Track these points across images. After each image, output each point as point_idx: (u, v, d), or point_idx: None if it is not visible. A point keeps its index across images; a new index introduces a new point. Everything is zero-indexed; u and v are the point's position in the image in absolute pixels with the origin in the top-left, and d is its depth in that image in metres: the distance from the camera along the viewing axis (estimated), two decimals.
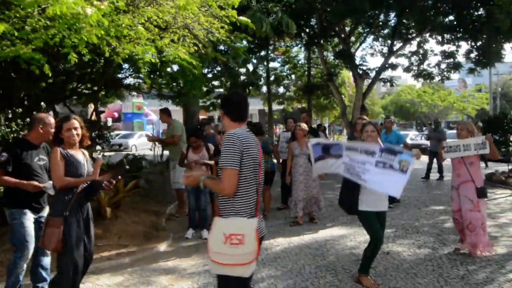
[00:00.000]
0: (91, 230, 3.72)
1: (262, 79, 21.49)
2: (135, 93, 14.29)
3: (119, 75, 8.72)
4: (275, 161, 8.19)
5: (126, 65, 7.65)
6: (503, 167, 12.76)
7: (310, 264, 5.13)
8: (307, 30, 17.19)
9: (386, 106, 41.61)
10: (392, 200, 7.70)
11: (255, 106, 30.73)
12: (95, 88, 8.01)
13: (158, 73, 7.31)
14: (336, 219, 7.43)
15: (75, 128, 3.59)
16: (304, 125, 7.00)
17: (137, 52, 4.66)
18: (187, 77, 6.44)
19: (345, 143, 4.59)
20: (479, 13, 15.77)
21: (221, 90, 21.22)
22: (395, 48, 17.72)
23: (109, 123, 27.96)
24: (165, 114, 7.54)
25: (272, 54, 22.33)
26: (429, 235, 6.25)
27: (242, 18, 6.53)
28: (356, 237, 6.22)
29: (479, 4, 14.87)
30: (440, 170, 12.08)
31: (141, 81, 8.17)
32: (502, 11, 9.62)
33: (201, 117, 32.38)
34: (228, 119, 2.82)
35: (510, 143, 12.03)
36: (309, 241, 6.10)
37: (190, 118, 12.43)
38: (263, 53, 19.81)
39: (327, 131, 15.70)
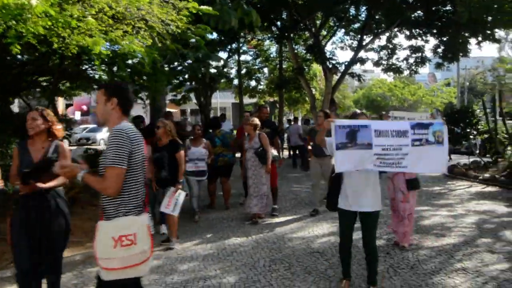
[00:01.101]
0: (52, 230, 3.47)
1: (233, 72, 21.47)
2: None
3: (82, 67, 8.51)
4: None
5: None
6: (465, 160, 13.13)
7: (265, 257, 5.15)
8: (278, 23, 17.21)
9: (358, 100, 42.17)
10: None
11: (227, 99, 30.61)
12: (52, 80, 7.78)
13: (117, 66, 7.15)
14: (298, 212, 7.49)
15: (33, 119, 3.46)
16: (255, 120, 6.84)
17: (86, 43, 4.54)
18: (145, 70, 6.31)
19: (373, 124, 3.67)
20: (446, 8, 16.12)
21: (193, 83, 21.01)
22: (364, 42, 17.94)
23: (78, 116, 27.42)
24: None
25: (244, 47, 22.28)
26: (386, 226, 6.37)
27: (203, 7, 6.46)
28: (315, 230, 6.28)
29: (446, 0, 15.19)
30: None
31: (101, 73, 7.97)
32: (462, 4, 9.82)
33: (168, 109, 32.07)
34: (119, 110, 2.61)
35: (471, 136, 12.37)
36: (267, 234, 6.12)
37: (156, 113, 12.24)
38: (234, 46, 19.76)
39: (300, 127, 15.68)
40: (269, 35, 18.41)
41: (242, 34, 19.06)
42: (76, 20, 4.49)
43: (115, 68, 7.57)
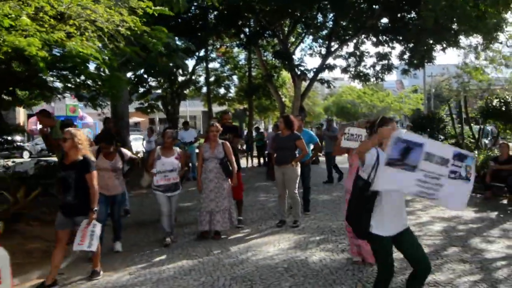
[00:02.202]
0: None
1: (201, 79, 21.08)
2: (68, 95, 13.23)
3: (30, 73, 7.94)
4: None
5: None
6: None
7: (226, 275, 4.76)
8: (246, 30, 17.01)
9: (328, 107, 42.41)
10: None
11: (197, 107, 30.12)
12: None
13: (68, 70, 6.66)
14: (264, 223, 7.13)
15: None
16: (218, 125, 6.38)
17: (20, 45, 4.08)
18: (91, 75, 5.87)
19: (427, 145, 3.10)
20: (411, 15, 16.31)
21: (159, 91, 20.55)
22: (332, 49, 17.94)
23: (38, 126, 26.19)
24: (43, 116, 6.55)
25: (213, 54, 21.96)
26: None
27: (158, 8, 6.13)
28: (281, 243, 5.94)
29: (410, 7, 15.34)
30: (336, 168, 11.41)
31: (52, 79, 7.45)
32: (427, 8, 9.83)
33: (136, 119, 31.15)
34: None
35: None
36: (230, 249, 5.73)
37: (118, 121, 11.71)
38: (202, 53, 19.41)
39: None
40: (237, 42, 18.12)
41: (210, 41, 18.80)
42: (9, 19, 4.03)
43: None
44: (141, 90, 18.93)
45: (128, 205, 8.08)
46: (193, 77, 21.04)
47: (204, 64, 20.49)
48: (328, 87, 18.52)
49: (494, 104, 10.39)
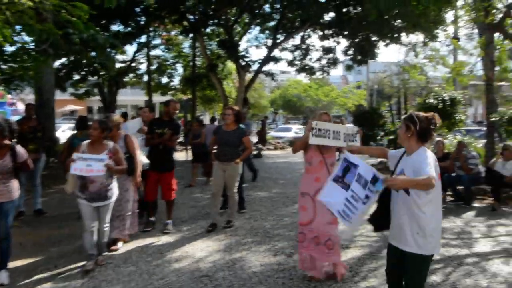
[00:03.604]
0: None
1: (143, 67, 20.04)
2: None
3: None
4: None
5: None
6: (371, 161, 13.20)
7: (141, 287, 4.21)
8: (191, 17, 16.22)
9: (275, 100, 42.44)
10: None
11: (140, 96, 28.80)
12: None
13: None
14: (194, 224, 6.60)
15: None
16: (114, 117, 5.30)
17: None
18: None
19: (361, 166, 3.10)
20: (357, 10, 16.30)
21: (95, 78, 19.26)
22: (278, 41, 17.63)
23: None
24: None
25: (155, 41, 20.94)
26: (289, 239, 5.74)
27: None
28: (210, 247, 5.45)
29: (355, 2, 15.31)
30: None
31: None
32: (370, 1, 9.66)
33: (73, 107, 29.43)
34: None
35: (378, 137, 12.45)
36: (151, 255, 5.17)
37: (41, 108, 10.63)
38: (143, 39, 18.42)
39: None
40: (180, 29, 17.28)
41: (151, 27, 17.84)
42: None
43: None
44: (77, 77, 17.66)
45: (39, 206, 7.18)
46: (134, 64, 19.94)
47: (146, 51, 19.46)
48: (272, 79, 18.20)
49: (431, 101, 10.48)
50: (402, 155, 3.00)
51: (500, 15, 10.06)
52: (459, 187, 8.07)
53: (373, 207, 3.20)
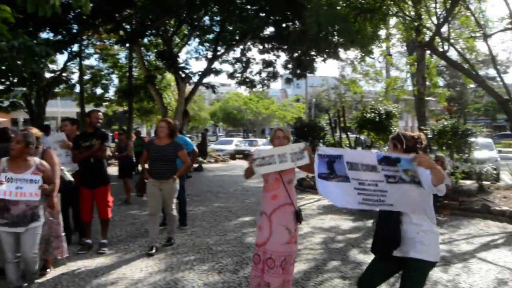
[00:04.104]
0: None
1: (75, 77, 19.02)
2: None
3: None
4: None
5: None
6: None
7: None
8: (127, 27, 15.68)
9: (215, 113, 42.25)
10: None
11: (72, 108, 27.28)
12: None
13: None
14: (133, 242, 6.20)
15: None
16: (33, 130, 4.35)
17: None
18: None
19: (346, 155, 3.11)
20: (295, 26, 16.65)
21: (23, 88, 17.94)
22: (219, 53, 17.55)
23: None
24: None
25: (88, 50, 19.98)
26: (233, 255, 5.54)
27: None
28: (149, 267, 5.10)
29: (294, 17, 15.63)
30: None
31: None
32: (310, 14, 9.86)
33: None
34: None
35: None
36: (84, 278, 4.73)
37: None
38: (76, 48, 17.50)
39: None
40: (116, 38, 16.63)
41: (84, 36, 17.02)
42: None
43: None
44: (0, 87, 16.31)
45: None
46: (65, 74, 18.86)
47: (78, 60, 18.49)
48: (213, 92, 18.03)
49: (368, 115, 10.83)
50: None
51: (430, 34, 10.68)
52: None
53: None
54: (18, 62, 7.67)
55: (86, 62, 19.96)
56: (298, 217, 3.85)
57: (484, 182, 9.68)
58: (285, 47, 16.98)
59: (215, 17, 17.16)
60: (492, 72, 34.08)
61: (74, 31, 14.43)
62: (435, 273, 4.73)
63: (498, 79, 26.93)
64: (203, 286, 4.48)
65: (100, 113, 5.84)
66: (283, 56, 17.94)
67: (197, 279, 4.69)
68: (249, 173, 4.02)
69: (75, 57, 18.16)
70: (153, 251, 5.59)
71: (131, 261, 5.32)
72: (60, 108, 26.98)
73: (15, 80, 14.50)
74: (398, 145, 3.04)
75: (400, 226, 2.99)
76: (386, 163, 2.87)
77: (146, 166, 5.80)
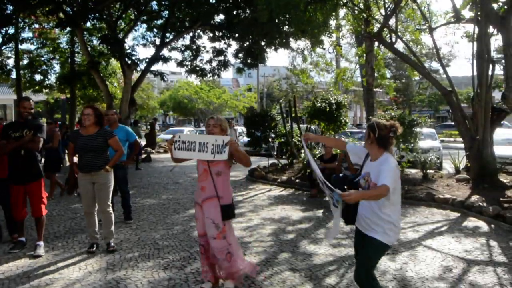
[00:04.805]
0: None
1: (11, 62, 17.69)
2: None
3: None
4: None
5: None
6: (265, 162, 13.32)
7: None
8: (68, 9, 14.69)
9: (165, 102, 41.21)
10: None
11: (8, 95, 25.51)
12: None
13: None
14: (72, 239, 5.78)
15: None
16: None
17: None
18: None
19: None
20: (246, 14, 16.38)
21: None
22: (167, 40, 16.96)
23: None
24: None
25: (26, 34, 18.68)
26: (180, 250, 5.29)
27: None
28: (89, 265, 4.75)
29: (246, 5, 15.36)
30: None
31: None
32: (261, 1, 9.65)
33: None
34: None
35: (270, 139, 12.58)
36: (15, 280, 4.32)
37: None
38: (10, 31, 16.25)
39: None
40: (55, 21, 15.56)
41: (21, 17, 15.82)
42: None
43: None
44: None
45: None
46: None
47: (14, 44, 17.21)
48: (161, 79, 17.43)
49: (319, 105, 10.85)
50: (366, 158, 3.20)
51: (379, 25, 10.84)
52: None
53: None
54: None
55: (24, 46, 18.63)
56: (224, 212, 3.72)
57: (428, 171, 10.00)
58: (236, 35, 16.69)
59: (163, 2, 16.52)
60: (435, 65, 35.74)
61: (8, 12, 13.32)
62: (383, 262, 4.75)
63: (441, 72, 28.15)
64: (147, 284, 4.21)
65: (30, 102, 5.20)
66: (234, 45, 17.72)
67: (141, 276, 4.41)
68: (172, 156, 3.96)
69: (10, 41, 16.87)
70: (94, 248, 5.21)
71: (69, 259, 4.94)
72: None
73: None
74: (371, 133, 3.07)
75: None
76: (329, 188, 3.04)
77: (75, 159, 5.27)
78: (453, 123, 37.21)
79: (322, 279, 4.38)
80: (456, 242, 5.67)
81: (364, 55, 13.17)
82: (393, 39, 10.62)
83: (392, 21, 11.08)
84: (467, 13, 10.48)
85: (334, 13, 11.20)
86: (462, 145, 10.04)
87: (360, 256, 3.28)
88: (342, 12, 13.91)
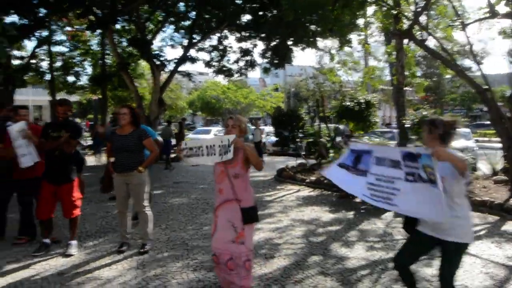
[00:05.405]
0: None
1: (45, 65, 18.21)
2: None
3: None
4: None
5: None
6: (293, 162, 13.20)
7: None
8: (98, 12, 14.99)
9: (193, 102, 41.60)
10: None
11: (44, 96, 26.29)
12: None
13: None
14: (103, 237, 5.86)
15: None
16: None
17: None
18: None
19: (376, 151, 3.21)
20: (273, 14, 16.31)
21: None
22: (194, 41, 17.08)
23: None
24: None
25: (58, 37, 19.17)
26: (209, 251, 5.19)
27: None
28: (119, 264, 4.79)
29: (272, 5, 15.28)
30: None
31: None
32: (287, 1, 9.54)
33: None
34: None
35: (298, 139, 12.46)
36: (47, 277, 4.39)
37: None
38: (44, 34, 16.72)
39: None
40: (86, 24, 15.91)
41: (53, 20, 16.26)
42: None
43: None
44: None
45: None
46: (34, 61, 18.06)
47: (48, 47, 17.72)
48: (189, 79, 17.56)
49: (348, 104, 10.67)
50: None
51: (409, 23, 10.53)
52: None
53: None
54: None
55: (57, 48, 19.20)
56: (245, 216, 3.57)
57: None
58: (263, 35, 16.64)
59: (190, 3, 16.64)
60: (467, 62, 34.62)
61: (41, 15, 13.70)
62: (419, 268, 4.58)
63: (473, 69, 27.26)
64: (177, 286, 4.20)
65: (64, 106, 5.17)
66: (261, 45, 17.67)
67: (170, 278, 4.41)
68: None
69: (44, 43, 17.37)
70: (124, 248, 5.25)
71: (100, 258, 5.00)
72: (31, 96, 25.99)
73: None
74: (432, 130, 3.03)
75: None
76: (408, 159, 2.86)
77: (112, 159, 5.27)
78: (487, 122, 36.09)
79: (354, 284, 4.25)
80: (496, 247, 5.42)
81: (394, 53, 12.85)
82: (424, 36, 10.30)
83: (422, 18, 10.75)
84: (502, 8, 10.05)
85: (362, 11, 10.95)
86: (498, 145, 9.65)
87: (443, 264, 3.14)
88: (370, 9, 13.66)
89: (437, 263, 4.78)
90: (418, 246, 3.23)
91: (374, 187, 3.10)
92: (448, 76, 25.96)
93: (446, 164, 2.79)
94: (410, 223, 3.22)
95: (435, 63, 30.10)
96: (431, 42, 12.12)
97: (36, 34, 16.28)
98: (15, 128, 5.33)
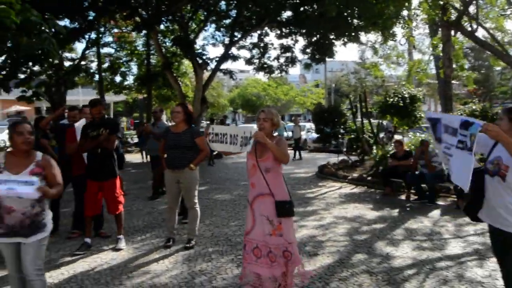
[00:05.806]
0: None
1: (94, 66, 18.98)
2: None
3: None
4: None
5: None
6: (334, 159, 13.06)
7: None
8: (142, 12, 15.45)
9: (234, 99, 42.00)
10: None
11: (91, 96, 27.46)
12: None
13: None
14: (150, 232, 6.06)
15: None
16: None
17: None
18: None
19: (443, 118, 3.15)
20: (314, 9, 16.15)
21: (43, 77, 18.06)
22: (235, 39, 17.22)
23: None
24: None
25: (106, 39, 19.93)
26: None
27: None
28: (166, 259, 4.94)
29: (313, 1, 15.14)
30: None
31: None
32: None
33: (19, 108, 27.88)
34: None
35: (339, 136, 12.31)
36: (95, 269, 4.60)
37: None
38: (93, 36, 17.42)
39: None
40: (132, 25, 16.45)
41: (102, 22, 16.90)
42: None
43: None
44: (22, 76, 16.41)
45: None
46: (83, 63, 18.88)
47: (96, 49, 18.45)
48: (231, 77, 17.75)
49: (391, 99, 10.42)
50: (495, 145, 2.89)
51: (457, 13, 10.15)
52: (422, 185, 7.97)
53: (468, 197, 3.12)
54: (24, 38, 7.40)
55: (105, 50, 19.96)
56: (279, 208, 3.52)
57: None
58: (303, 31, 16.51)
59: (231, 2, 16.79)
60: None
61: (90, 18, 14.30)
62: (469, 269, 4.42)
63: None
64: (221, 281, 4.28)
65: (98, 107, 5.26)
66: (302, 41, 17.52)
67: (215, 273, 4.49)
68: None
69: (93, 45, 18.11)
70: (170, 243, 5.41)
71: (148, 253, 5.17)
72: (81, 96, 27.13)
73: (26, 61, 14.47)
74: None
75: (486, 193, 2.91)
76: (464, 127, 2.78)
77: (165, 155, 5.41)
78: None
79: (401, 283, 4.17)
80: None
81: (440, 45, 12.40)
82: (474, 27, 9.89)
83: (471, 8, 10.32)
84: None
85: (407, 3, 10.63)
86: None
87: (508, 259, 2.87)
88: (415, 0, 13.25)
89: (488, 263, 4.62)
90: (494, 242, 3.03)
91: (443, 155, 3.06)
92: (498, 68, 24.70)
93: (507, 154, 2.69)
94: (471, 209, 3.07)
95: (483, 55, 28.73)
96: (480, 33, 11.60)
97: (86, 36, 16.99)
98: (78, 126, 5.63)
